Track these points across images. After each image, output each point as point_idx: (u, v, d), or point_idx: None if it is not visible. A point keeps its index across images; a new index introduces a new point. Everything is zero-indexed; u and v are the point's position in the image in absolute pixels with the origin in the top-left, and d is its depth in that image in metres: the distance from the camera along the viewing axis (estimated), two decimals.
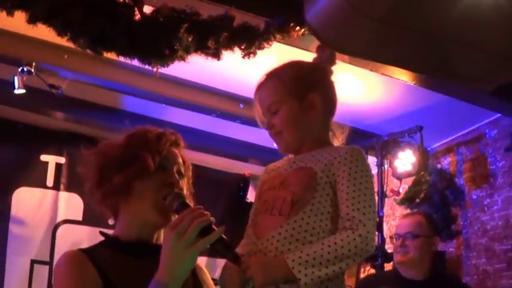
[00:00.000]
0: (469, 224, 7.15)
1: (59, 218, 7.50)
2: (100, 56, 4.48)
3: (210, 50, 4.43)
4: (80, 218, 7.43)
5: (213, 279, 2.67)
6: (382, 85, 6.07)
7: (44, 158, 7.56)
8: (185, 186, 2.50)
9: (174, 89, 6.21)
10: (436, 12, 3.12)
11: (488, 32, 3.39)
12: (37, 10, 3.98)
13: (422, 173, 7.05)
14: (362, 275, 6.92)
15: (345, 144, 2.65)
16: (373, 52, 3.43)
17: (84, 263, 2.24)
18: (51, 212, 7.48)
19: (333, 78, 2.69)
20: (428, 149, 7.33)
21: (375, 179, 6.74)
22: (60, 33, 4.13)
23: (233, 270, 2.28)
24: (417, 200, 7.27)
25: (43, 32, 4.19)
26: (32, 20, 4.06)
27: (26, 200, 7.37)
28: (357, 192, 2.32)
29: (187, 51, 4.36)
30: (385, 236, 6.61)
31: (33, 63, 5.62)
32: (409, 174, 6.89)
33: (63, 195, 7.53)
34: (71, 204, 7.46)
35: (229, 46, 4.48)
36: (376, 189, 6.63)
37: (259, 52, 4.57)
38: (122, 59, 4.48)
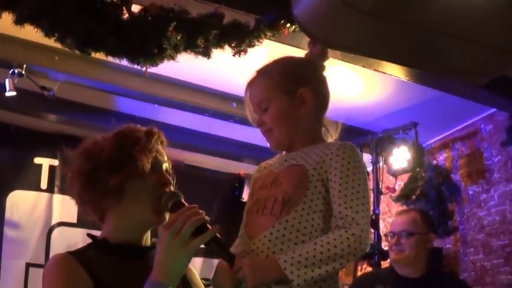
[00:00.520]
0: (466, 220, 7.14)
1: (54, 221, 7.51)
2: (88, 56, 4.44)
3: (199, 48, 4.40)
4: (74, 220, 7.41)
5: (207, 280, 2.64)
6: (375, 82, 6.06)
7: (37, 160, 7.56)
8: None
9: (166, 89, 6.19)
10: (427, 4, 3.09)
11: (481, 24, 3.37)
12: (24, 11, 3.95)
13: (418, 169, 7.05)
14: (359, 273, 6.90)
15: (338, 141, 2.61)
16: (363, 46, 3.39)
17: (74, 266, 2.20)
18: (46, 214, 7.49)
19: (325, 73, 2.65)
20: (424, 145, 7.32)
21: (370, 177, 6.72)
22: (48, 34, 4.09)
23: (226, 270, 2.26)
24: (413, 197, 7.25)
25: (33, 33, 4.15)
26: (19, 21, 4.02)
27: (20, 203, 7.38)
28: (350, 190, 2.28)
29: (177, 50, 4.32)
30: (381, 234, 6.59)
31: (24, 65, 5.59)
32: (404, 171, 6.88)
33: (57, 197, 7.54)
34: (65, 206, 7.46)
35: (219, 44, 4.45)
36: (371, 187, 6.62)
37: (251, 50, 4.55)
38: (111, 59, 4.45)
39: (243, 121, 2.73)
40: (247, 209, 2.53)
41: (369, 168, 6.84)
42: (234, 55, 4.53)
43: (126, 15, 4.25)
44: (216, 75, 5.97)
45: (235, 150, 7.76)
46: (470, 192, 7.11)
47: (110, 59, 4.48)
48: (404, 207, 7.07)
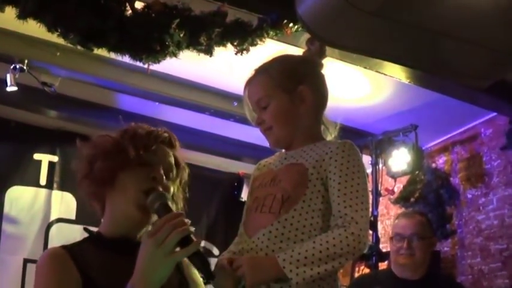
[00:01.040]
0: (464, 224, 7.14)
1: (52, 217, 7.51)
2: (91, 52, 4.45)
3: (202, 46, 4.40)
4: (73, 216, 7.44)
5: None
6: (376, 83, 6.06)
7: (37, 156, 7.55)
8: (175, 187, 2.48)
9: (167, 87, 6.20)
10: (431, 6, 3.10)
11: (484, 26, 3.37)
12: (27, 5, 3.94)
13: (417, 172, 7.03)
14: (356, 274, 6.89)
15: (337, 139, 2.61)
16: (366, 46, 3.40)
17: (65, 261, 2.22)
18: (44, 210, 7.49)
19: (323, 71, 2.65)
20: (423, 148, 7.32)
21: (370, 178, 6.72)
22: (50, 29, 4.09)
23: (225, 269, 2.25)
24: (412, 199, 7.25)
25: (35, 28, 4.16)
26: (21, 16, 4.02)
27: (19, 199, 7.38)
28: (349, 189, 2.28)
29: (179, 47, 4.32)
30: (379, 235, 6.59)
31: (26, 61, 5.59)
32: (403, 173, 6.87)
33: (56, 194, 7.54)
34: (64, 203, 7.48)
35: (221, 42, 4.45)
36: (370, 188, 6.62)
37: (253, 48, 4.55)
38: (113, 55, 4.45)
39: (244, 120, 2.72)
40: (246, 207, 2.54)
41: (368, 170, 6.83)
42: (236, 54, 4.53)
43: (129, 12, 4.25)
44: (217, 74, 5.97)
45: (235, 150, 7.77)
46: (469, 195, 7.11)
47: (112, 55, 4.50)
48: (404, 210, 7.07)
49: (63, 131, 7.45)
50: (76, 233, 7.22)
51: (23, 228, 7.31)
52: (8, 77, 5.59)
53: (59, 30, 4.11)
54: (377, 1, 2.94)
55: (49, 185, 7.53)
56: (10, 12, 4.10)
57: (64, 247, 2.31)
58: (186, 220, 2.10)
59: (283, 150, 2.60)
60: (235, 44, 4.48)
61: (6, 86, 5.61)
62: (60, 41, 4.29)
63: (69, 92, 6.46)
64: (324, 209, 2.31)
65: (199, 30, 4.31)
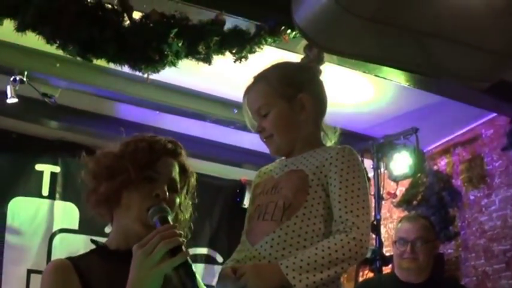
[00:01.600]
0: (467, 225, 7.13)
1: (55, 227, 7.53)
2: (90, 62, 4.45)
3: (200, 54, 4.40)
4: (76, 226, 7.45)
5: (211, 286, 2.65)
6: (376, 87, 6.06)
7: (38, 167, 7.57)
8: (182, 196, 2.46)
9: (167, 95, 6.20)
10: (427, 9, 3.10)
11: (481, 29, 3.37)
12: (25, 18, 3.96)
13: (418, 174, 7.03)
14: (360, 279, 6.89)
15: (337, 145, 2.61)
16: (363, 52, 3.40)
17: (68, 273, 2.22)
18: (47, 221, 7.51)
19: (322, 77, 2.66)
20: (425, 150, 7.33)
21: (371, 182, 6.72)
22: (49, 41, 4.11)
23: (229, 277, 2.26)
24: (414, 202, 7.25)
25: (34, 40, 4.17)
26: (20, 28, 4.03)
27: (22, 210, 7.40)
28: (349, 194, 2.29)
29: (178, 57, 4.33)
30: (382, 239, 6.58)
31: (25, 72, 5.60)
32: (405, 177, 6.86)
33: (59, 204, 7.56)
34: (66, 213, 7.48)
35: (220, 51, 4.46)
36: (372, 192, 6.62)
37: (252, 56, 4.56)
38: (112, 66, 4.46)
39: (244, 127, 2.73)
40: (248, 214, 2.54)
41: (370, 174, 6.82)
42: (235, 61, 4.54)
43: (127, 22, 4.26)
44: (216, 82, 5.98)
45: (236, 157, 7.77)
46: (471, 197, 7.11)
47: (112, 65, 4.50)
48: (406, 213, 7.07)
49: (64, 141, 7.48)
50: (79, 243, 7.26)
51: (26, 239, 7.33)
52: (8, 89, 5.60)
53: (58, 42, 4.13)
54: (372, 6, 2.94)
55: (51, 196, 7.55)
56: (9, 24, 4.12)
57: (69, 259, 2.30)
58: (178, 232, 2.09)
59: (284, 158, 2.61)
60: (233, 52, 4.49)
61: (7, 97, 5.61)
62: (60, 52, 4.31)
63: (69, 102, 6.48)
64: (326, 214, 2.32)
65: (198, 39, 4.32)
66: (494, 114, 6.70)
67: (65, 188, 7.53)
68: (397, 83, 5.46)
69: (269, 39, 4.50)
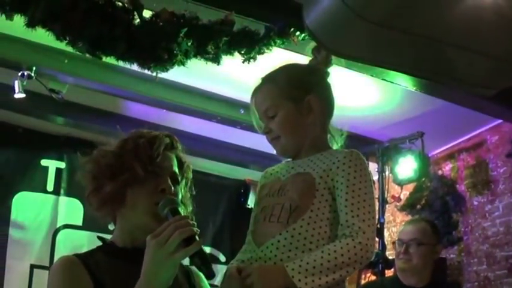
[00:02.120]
0: (470, 231, 7.14)
1: (59, 223, 7.54)
2: (99, 60, 4.46)
3: (209, 54, 4.42)
4: (80, 222, 7.46)
5: (215, 286, 2.65)
6: (383, 91, 6.06)
7: (44, 162, 7.59)
8: (182, 189, 2.48)
9: (174, 94, 6.21)
10: (436, 16, 3.10)
11: (489, 36, 3.37)
12: (36, 14, 3.97)
13: (423, 179, 7.03)
14: (363, 282, 6.90)
15: (343, 148, 2.62)
16: (372, 56, 3.40)
17: (78, 269, 2.23)
18: (51, 216, 7.53)
19: (330, 80, 2.66)
20: (430, 155, 7.33)
21: (376, 186, 6.73)
22: (59, 37, 4.12)
23: (234, 277, 2.27)
24: (418, 207, 7.26)
25: (43, 36, 4.18)
26: (30, 24, 4.05)
27: (26, 205, 7.41)
28: (356, 199, 2.29)
29: (187, 56, 4.35)
30: (386, 243, 6.59)
31: (34, 68, 5.61)
32: (410, 181, 6.87)
33: (63, 200, 7.57)
34: (71, 209, 7.49)
35: (229, 51, 4.47)
36: (376, 196, 6.62)
37: (260, 56, 4.57)
38: (121, 63, 4.47)
39: (250, 127, 2.73)
40: (254, 215, 2.54)
41: (375, 177, 6.83)
42: (243, 62, 4.55)
43: (137, 21, 4.27)
44: (224, 81, 5.99)
45: (242, 157, 7.77)
46: (475, 202, 7.12)
47: (120, 63, 4.51)
48: (410, 217, 7.08)
49: (70, 137, 7.51)
50: (83, 239, 7.28)
51: (30, 234, 7.35)
52: (16, 84, 5.61)
53: (68, 39, 4.14)
54: (383, 10, 2.94)
55: (56, 191, 7.58)
56: (18, 19, 4.13)
57: (77, 255, 2.32)
58: (191, 222, 2.11)
59: (290, 159, 2.61)
60: (242, 52, 4.50)
61: (14, 93, 5.63)
62: (68, 48, 4.32)
63: (76, 98, 6.50)
64: (332, 218, 2.32)
65: (207, 39, 4.33)
66: (500, 121, 6.70)
67: (70, 184, 7.54)
68: (404, 87, 5.46)
69: (278, 41, 4.52)
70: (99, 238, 2.46)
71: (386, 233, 7.31)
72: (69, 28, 4.07)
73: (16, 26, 4.18)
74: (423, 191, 7.30)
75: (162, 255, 2.04)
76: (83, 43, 4.15)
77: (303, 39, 4.46)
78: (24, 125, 7.40)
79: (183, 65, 4.40)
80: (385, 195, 6.82)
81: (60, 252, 7.22)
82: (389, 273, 6.15)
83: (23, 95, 5.66)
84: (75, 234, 7.45)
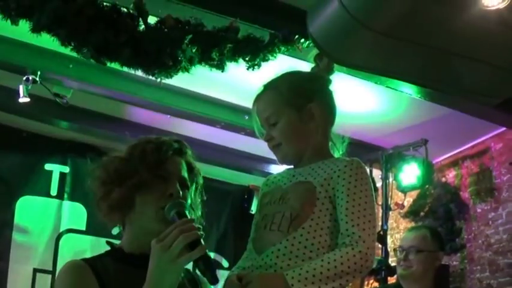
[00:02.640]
0: (473, 238, 7.14)
1: (62, 227, 7.54)
2: (104, 66, 4.47)
3: (214, 61, 4.43)
4: (83, 227, 7.46)
5: None
6: (387, 98, 6.07)
7: (48, 167, 7.60)
8: (192, 195, 2.49)
9: (179, 100, 6.22)
10: (440, 25, 3.11)
11: (493, 46, 3.38)
12: (41, 19, 3.99)
13: (427, 186, 7.03)
14: None
15: (345, 155, 2.62)
16: (376, 65, 3.41)
17: (86, 274, 2.24)
18: (55, 221, 7.53)
19: (332, 87, 2.66)
20: (433, 162, 7.32)
21: (380, 192, 6.73)
22: (64, 43, 4.14)
23: (235, 285, 2.27)
24: (421, 214, 7.26)
25: (48, 40, 4.20)
26: (36, 29, 4.07)
27: (30, 209, 7.42)
28: (356, 208, 2.29)
29: (191, 63, 4.36)
30: (389, 250, 6.59)
31: (38, 72, 5.62)
32: (413, 188, 6.87)
33: (67, 204, 7.58)
34: (74, 213, 7.49)
35: (233, 58, 4.48)
36: (380, 202, 6.63)
37: (265, 63, 4.58)
38: (125, 69, 4.48)
39: (254, 134, 2.74)
40: (255, 223, 2.54)
41: (379, 184, 6.84)
42: (248, 69, 4.56)
43: (142, 27, 4.29)
44: (229, 87, 5.99)
45: (245, 163, 7.76)
46: (479, 210, 7.11)
47: (125, 68, 4.52)
48: (413, 224, 7.08)
49: (74, 142, 7.52)
50: (86, 244, 7.29)
51: (33, 238, 7.35)
52: (21, 88, 5.62)
53: (73, 44, 4.16)
54: (387, 20, 2.95)
55: (60, 196, 7.58)
56: (23, 24, 4.14)
57: (85, 260, 2.32)
58: (196, 225, 2.11)
59: (292, 167, 2.61)
60: (246, 59, 4.51)
61: (19, 97, 5.64)
62: (73, 53, 4.33)
63: (81, 103, 6.51)
64: (332, 226, 2.32)
65: (212, 45, 4.34)
66: (504, 128, 6.70)
67: (74, 189, 7.55)
68: (409, 95, 5.47)
69: (282, 48, 4.52)
70: (108, 243, 2.46)
71: (389, 240, 7.31)
72: (74, 34, 4.09)
73: (21, 30, 4.20)
74: (427, 198, 7.30)
75: (166, 259, 2.04)
76: (88, 49, 4.17)
77: (307, 47, 4.47)
78: (29, 129, 7.41)
79: (188, 71, 4.41)
80: (389, 202, 6.82)
81: (63, 256, 7.24)
82: (391, 280, 6.15)
83: (27, 99, 5.67)
84: (79, 239, 7.46)
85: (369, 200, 2.34)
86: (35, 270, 7.24)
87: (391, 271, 6.12)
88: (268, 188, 2.61)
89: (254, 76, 4.54)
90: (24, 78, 5.60)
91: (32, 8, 4.05)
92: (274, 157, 2.64)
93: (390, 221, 7.33)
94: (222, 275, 2.35)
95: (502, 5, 3.17)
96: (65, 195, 7.57)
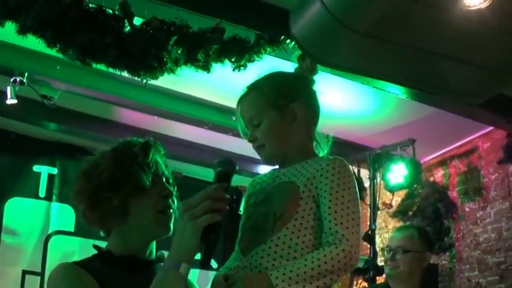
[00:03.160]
0: (462, 237, 7.16)
1: (51, 229, 7.53)
2: (89, 67, 4.47)
3: (199, 62, 4.43)
4: (72, 229, 7.44)
5: None
6: (374, 98, 6.08)
7: (36, 168, 7.58)
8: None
9: (166, 100, 6.22)
10: (422, 26, 3.12)
11: (475, 45, 3.39)
12: (27, 21, 3.99)
13: (414, 186, 7.05)
14: None
15: (330, 154, 2.62)
16: (359, 66, 3.42)
17: (83, 273, 2.23)
18: (43, 222, 7.51)
19: (315, 87, 2.66)
20: (421, 161, 7.33)
21: (367, 192, 6.74)
22: (50, 45, 4.13)
23: (221, 285, 2.27)
24: (410, 213, 7.28)
25: (35, 42, 4.20)
26: (21, 31, 4.07)
27: (18, 210, 7.40)
28: (339, 206, 2.29)
29: (177, 64, 4.36)
30: (377, 249, 6.60)
31: (26, 74, 5.62)
32: (401, 187, 6.88)
33: (56, 205, 7.55)
34: (63, 215, 7.48)
35: (219, 59, 4.48)
36: (368, 202, 6.64)
37: (251, 64, 4.58)
38: (112, 70, 4.48)
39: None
40: (241, 224, 2.55)
41: (366, 184, 6.85)
42: (233, 70, 4.56)
43: (127, 28, 4.28)
44: (215, 88, 6.00)
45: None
46: (467, 209, 7.13)
47: (111, 70, 4.52)
48: (402, 223, 7.09)
49: (62, 143, 7.52)
50: (75, 245, 7.28)
51: (22, 240, 7.34)
52: (8, 90, 5.62)
53: (58, 46, 4.15)
54: (369, 21, 2.96)
55: (48, 197, 7.57)
56: (10, 25, 4.14)
57: (76, 263, 2.32)
58: (226, 197, 2.24)
59: (277, 167, 2.61)
60: (232, 60, 4.51)
61: (6, 98, 5.63)
62: (60, 54, 4.33)
63: (68, 104, 6.50)
64: (317, 226, 2.31)
65: (197, 46, 4.34)
66: (491, 128, 6.72)
67: (62, 190, 7.52)
68: (395, 95, 5.48)
69: (268, 49, 4.53)
70: (95, 247, 2.45)
71: (378, 240, 7.32)
72: (60, 35, 4.08)
73: (8, 31, 4.20)
74: (415, 198, 7.33)
75: (187, 218, 2.07)
76: (74, 50, 4.16)
77: (293, 47, 4.47)
78: (17, 131, 7.40)
79: (173, 72, 4.42)
80: (377, 202, 6.83)
81: (52, 258, 7.23)
82: (380, 279, 6.16)
83: (15, 101, 5.67)
84: (67, 240, 7.44)
85: (352, 198, 2.34)
86: (24, 272, 7.23)
87: (380, 271, 6.13)
88: (254, 189, 2.61)
89: (241, 76, 4.55)
90: (12, 79, 5.60)
91: (17, 9, 4.05)
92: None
93: (379, 221, 7.35)
94: (211, 275, 2.37)
95: (483, 5, 3.19)
96: (54, 197, 7.56)
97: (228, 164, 2.33)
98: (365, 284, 6.47)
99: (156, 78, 4.44)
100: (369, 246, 6.35)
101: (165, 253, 2.44)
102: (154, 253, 2.48)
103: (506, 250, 6.57)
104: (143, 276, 2.18)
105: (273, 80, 2.60)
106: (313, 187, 2.35)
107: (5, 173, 7.39)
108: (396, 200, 7.35)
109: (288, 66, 2.82)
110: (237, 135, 2.56)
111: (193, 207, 2.07)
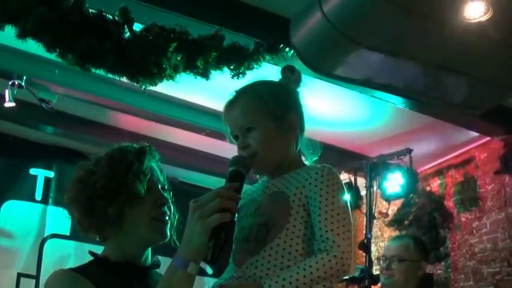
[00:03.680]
0: (458, 247, 7.16)
1: (47, 232, 7.52)
2: (88, 72, 4.48)
3: (198, 69, 4.43)
4: (67, 232, 7.42)
5: None
6: (372, 107, 6.08)
7: (33, 171, 7.58)
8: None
9: (164, 106, 6.21)
10: (423, 39, 3.12)
11: (475, 58, 3.39)
12: (26, 25, 3.99)
13: (411, 195, 7.05)
14: None
15: (317, 162, 2.61)
16: (360, 78, 3.42)
17: (80, 278, 2.23)
18: (39, 225, 7.51)
19: (302, 99, 2.65)
20: (418, 171, 7.33)
21: (364, 201, 6.75)
22: (49, 49, 4.13)
23: None
24: (406, 222, 7.28)
25: (35, 46, 4.20)
26: (21, 35, 4.07)
27: (14, 213, 7.39)
28: (330, 213, 2.28)
29: (176, 70, 4.36)
30: (372, 258, 6.60)
31: (24, 77, 5.61)
32: (397, 196, 6.88)
33: (52, 209, 7.55)
34: (58, 218, 7.46)
35: (218, 66, 4.48)
36: (364, 211, 6.64)
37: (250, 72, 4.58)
38: (110, 75, 4.49)
39: None
40: (234, 235, 2.54)
41: (363, 193, 6.87)
42: (232, 77, 4.56)
43: (127, 34, 4.29)
44: (213, 95, 5.99)
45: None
46: (463, 219, 7.13)
47: (110, 75, 4.52)
48: (397, 233, 7.10)
49: (59, 147, 7.53)
50: (70, 249, 7.27)
51: (18, 243, 7.33)
52: (7, 93, 5.62)
53: (58, 51, 4.16)
54: (370, 33, 2.96)
55: (44, 200, 7.56)
56: (9, 29, 4.15)
57: (73, 269, 2.32)
58: (237, 196, 2.20)
59: (266, 178, 2.60)
60: (231, 67, 4.51)
61: (5, 101, 5.63)
62: (59, 58, 4.33)
63: (66, 108, 6.50)
64: (309, 234, 2.31)
65: (197, 53, 4.35)
66: (489, 138, 6.72)
67: (58, 194, 7.51)
68: (393, 104, 5.49)
69: (267, 56, 4.53)
70: (91, 253, 2.44)
71: (373, 248, 7.33)
72: (59, 40, 4.08)
73: (7, 35, 4.20)
74: (411, 207, 7.33)
75: (196, 216, 2.06)
76: (73, 55, 4.17)
77: (292, 55, 4.47)
78: (14, 134, 7.40)
79: (172, 79, 4.42)
80: (373, 211, 6.83)
81: (48, 261, 7.22)
82: None
83: (13, 104, 5.66)
84: (63, 244, 7.42)
85: (342, 204, 2.33)
86: (19, 275, 7.21)
87: (375, 280, 6.13)
88: (244, 200, 2.59)
89: (240, 83, 4.54)
90: (10, 83, 5.60)
91: (17, 13, 4.05)
92: None
93: (374, 230, 7.36)
94: (207, 282, 2.37)
95: (483, 18, 3.20)
96: (50, 200, 7.56)
97: (241, 163, 2.30)
98: None
99: (155, 84, 4.45)
100: (364, 255, 6.35)
101: (161, 259, 2.46)
102: (150, 258, 2.48)
103: (502, 260, 6.57)
104: (139, 281, 2.17)
105: (269, 87, 2.58)
106: (303, 196, 2.35)
107: (1, 176, 7.39)
108: (392, 209, 7.35)
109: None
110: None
111: (204, 206, 2.06)
